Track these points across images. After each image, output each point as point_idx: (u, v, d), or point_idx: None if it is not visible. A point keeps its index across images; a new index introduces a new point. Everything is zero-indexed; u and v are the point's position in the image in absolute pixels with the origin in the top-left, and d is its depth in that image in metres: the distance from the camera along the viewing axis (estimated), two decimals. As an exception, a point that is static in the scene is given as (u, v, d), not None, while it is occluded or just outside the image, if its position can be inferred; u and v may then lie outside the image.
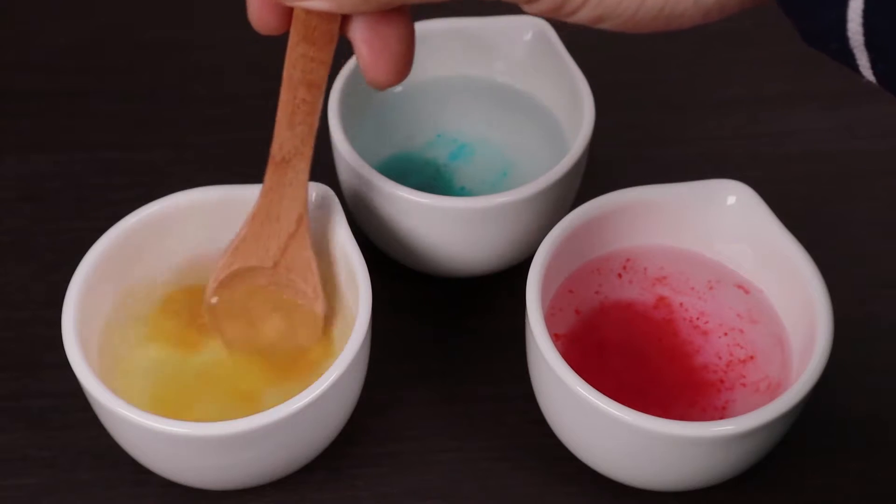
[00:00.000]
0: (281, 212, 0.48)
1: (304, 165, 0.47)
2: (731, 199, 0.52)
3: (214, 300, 0.50)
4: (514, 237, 0.54)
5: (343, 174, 0.55)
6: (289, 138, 0.46)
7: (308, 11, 0.41)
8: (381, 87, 0.42)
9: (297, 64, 0.44)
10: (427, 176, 0.57)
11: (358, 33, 0.41)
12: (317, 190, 0.52)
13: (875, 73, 0.34)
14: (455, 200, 0.52)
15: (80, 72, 0.67)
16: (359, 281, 0.49)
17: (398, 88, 0.60)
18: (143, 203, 0.51)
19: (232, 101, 0.65)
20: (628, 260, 0.53)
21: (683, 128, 0.65)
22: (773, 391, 0.49)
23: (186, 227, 0.52)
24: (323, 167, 0.57)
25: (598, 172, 0.59)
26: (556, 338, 0.51)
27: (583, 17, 0.36)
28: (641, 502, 0.50)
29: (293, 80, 0.44)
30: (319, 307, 0.50)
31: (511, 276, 0.56)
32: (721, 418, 0.49)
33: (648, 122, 0.65)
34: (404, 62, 0.41)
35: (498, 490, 0.51)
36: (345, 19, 0.41)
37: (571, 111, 0.57)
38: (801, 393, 0.46)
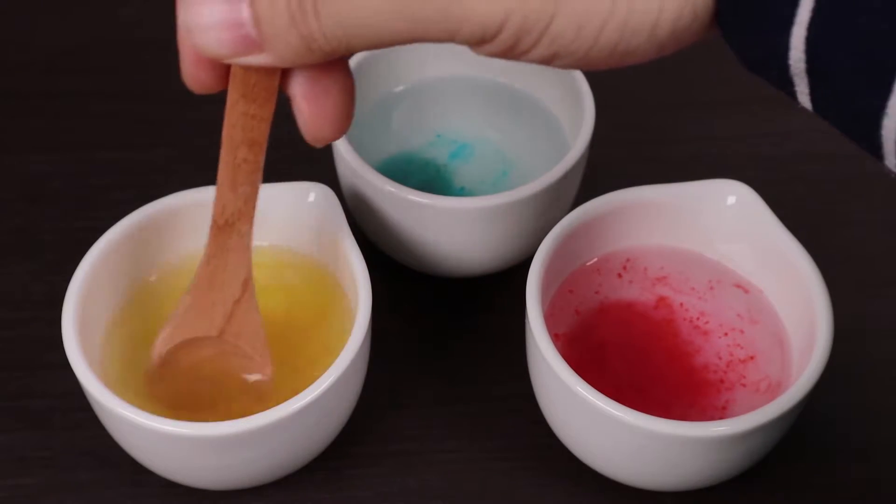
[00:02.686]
0: (226, 278, 0.46)
1: (247, 227, 0.45)
2: (731, 199, 0.52)
3: (153, 377, 0.48)
4: (514, 237, 0.54)
5: (343, 174, 0.55)
6: (232, 200, 0.44)
7: (247, 68, 0.39)
8: (322, 144, 0.40)
9: (238, 123, 0.41)
10: (427, 176, 0.57)
11: (298, 88, 0.38)
12: (317, 190, 0.52)
13: (812, 100, 0.34)
14: (455, 200, 0.52)
15: (79, 72, 0.67)
16: (359, 281, 0.49)
17: (398, 88, 0.60)
18: (143, 203, 0.51)
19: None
20: (628, 260, 0.53)
21: (683, 128, 0.65)
22: (773, 391, 0.49)
23: (186, 227, 0.52)
24: (323, 167, 0.57)
25: (598, 172, 0.59)
26: (556, 338, 0.51)
27: (535, 56, 0.36)
28: (641, 502, 0.50)
29: (234, 140, 0.41)
30: (268, 372, 0.48)
31: (511, 276, 0.56)
32: (721, 418, 0.49)
33: (648, 122, 0.65)
34: (346, 114, 0.39)
35: (498, 490, 0.51)
36: (284, 74, 0.39)
37: (571, 111, 0.57)
38: (801, 393, 0.46)
